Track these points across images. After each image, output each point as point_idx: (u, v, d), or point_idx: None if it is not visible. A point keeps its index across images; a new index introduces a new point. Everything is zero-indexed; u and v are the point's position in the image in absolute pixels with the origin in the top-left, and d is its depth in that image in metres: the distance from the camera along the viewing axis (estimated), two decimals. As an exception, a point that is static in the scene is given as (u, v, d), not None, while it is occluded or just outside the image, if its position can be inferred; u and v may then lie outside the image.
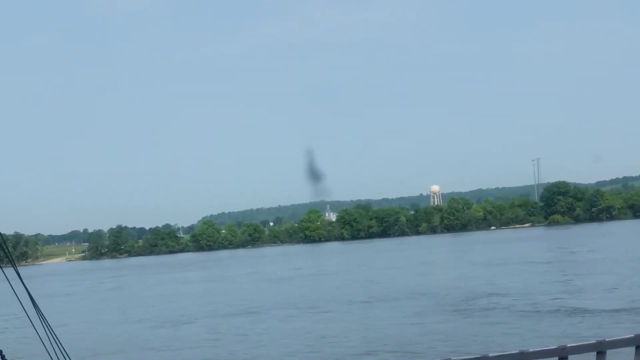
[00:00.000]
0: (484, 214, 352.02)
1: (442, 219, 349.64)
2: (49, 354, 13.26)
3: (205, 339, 54.17)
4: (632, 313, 49.33)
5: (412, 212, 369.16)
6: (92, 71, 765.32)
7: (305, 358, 44.12)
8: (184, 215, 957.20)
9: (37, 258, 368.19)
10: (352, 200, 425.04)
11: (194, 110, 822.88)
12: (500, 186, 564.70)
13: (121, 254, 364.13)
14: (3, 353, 12.09)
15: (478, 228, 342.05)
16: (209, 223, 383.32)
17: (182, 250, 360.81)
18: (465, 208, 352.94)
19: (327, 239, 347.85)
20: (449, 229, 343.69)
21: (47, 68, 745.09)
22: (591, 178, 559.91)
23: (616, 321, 46.28)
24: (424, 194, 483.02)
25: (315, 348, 46.88)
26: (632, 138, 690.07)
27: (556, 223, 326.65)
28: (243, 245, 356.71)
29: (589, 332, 42.03)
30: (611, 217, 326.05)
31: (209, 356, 46.70)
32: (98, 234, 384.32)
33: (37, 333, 13.38)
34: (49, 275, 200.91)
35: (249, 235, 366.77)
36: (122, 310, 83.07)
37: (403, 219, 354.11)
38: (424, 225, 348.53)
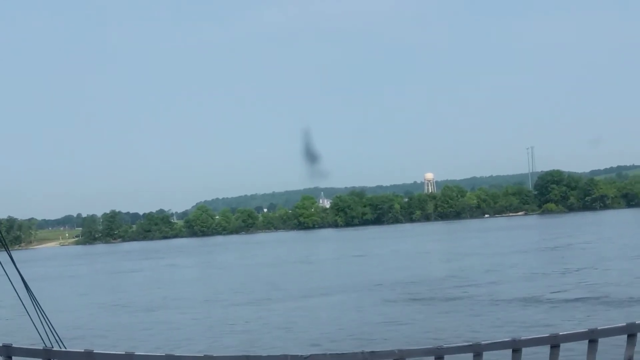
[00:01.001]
0: (478, 202, 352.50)
1: (435, 206, 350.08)
2: (40, 336, 13.23)
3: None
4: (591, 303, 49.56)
5: (406, 200, 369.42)
6: (87, 55, 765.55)
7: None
8: (178, 200, 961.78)
9: (30, 242, 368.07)
10: (346, 187, 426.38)
11: (190, 96, 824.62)
12: (494, 174, 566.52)
13: (115, 238, 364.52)
14: None
15: (472, 216, 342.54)
16: (202, 209, 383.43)
17: (175, 236, 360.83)
18: (459, 196, 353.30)
19: (321, 226, 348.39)
20: (442, 216, 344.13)
21: (44, 51, 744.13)
22: (585, 167, 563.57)
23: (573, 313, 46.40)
24: (418, 181, 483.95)
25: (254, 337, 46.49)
26: (626, 127, 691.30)
27: (550, 212, 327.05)
28: (237, 231, 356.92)
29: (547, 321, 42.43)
30: (605, 206, 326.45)
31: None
32: (92, 218, 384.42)
33: (30, 316, 13.35)
34: (42, 260, 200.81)
35: (243, 221, 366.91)
36: (111, 294, 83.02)
37: (397, 206, 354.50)
38: (418, 212, 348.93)
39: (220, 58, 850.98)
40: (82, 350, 11.62)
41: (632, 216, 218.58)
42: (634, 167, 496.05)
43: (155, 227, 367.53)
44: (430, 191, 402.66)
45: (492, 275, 73.13)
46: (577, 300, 51.68)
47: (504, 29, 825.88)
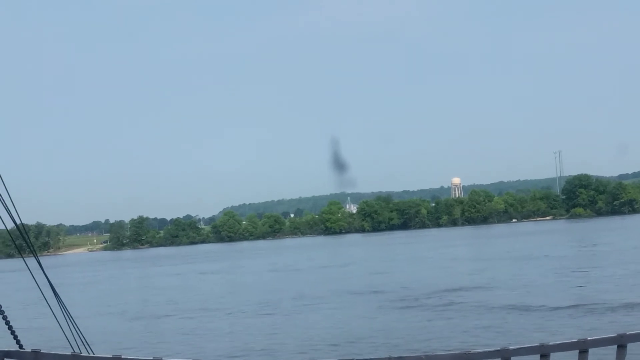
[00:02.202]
0: (505, 206, 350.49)
1: (463, 211, 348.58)
2: (69, 342, 13.31)
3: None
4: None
5: (433, 205, 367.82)
6: (111, 61, 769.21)
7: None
8: (205, 206, 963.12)
9: (59, 248, 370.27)
10: (372, 192, 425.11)
11: (216, 102, 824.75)
12: (521, 179, 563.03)
13: (142, 244, 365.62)
14: (21, 342, 12.14)
15: (499, 221, 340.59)
16: (229, 214, 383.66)
17: (203, 241, 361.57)
18: (486, 200, 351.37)
19: (348, 231, 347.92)
20: (469, 221, 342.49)
21: (62, 60, 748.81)
22: (613, 171, 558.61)
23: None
24: (445, 186, 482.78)
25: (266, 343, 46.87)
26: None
27: (578, 216, 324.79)
28: (264, 236, 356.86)
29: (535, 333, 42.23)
30: (633, 211, 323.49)
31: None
32: (119, 224, 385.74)
33: (58, 322, 13.43)
34: (71, 266, 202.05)
35: (270, 226, 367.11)
36: (140, 301, 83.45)
37: (424, 211, 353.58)
38: (445, 217, 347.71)
39: (248, 64, 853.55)
40: (111, 356, 11.68)
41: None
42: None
43: (182, 232, 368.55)
44: (457, 196, 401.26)
45: (510, 281, 73.00)
46: (569, 308, 51.55)
47: (531, 31, 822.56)
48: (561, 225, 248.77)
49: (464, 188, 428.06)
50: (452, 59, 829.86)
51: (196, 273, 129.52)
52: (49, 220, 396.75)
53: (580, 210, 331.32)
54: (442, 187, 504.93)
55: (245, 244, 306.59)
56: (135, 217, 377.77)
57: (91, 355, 12.36)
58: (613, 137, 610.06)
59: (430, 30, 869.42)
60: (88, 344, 13.20)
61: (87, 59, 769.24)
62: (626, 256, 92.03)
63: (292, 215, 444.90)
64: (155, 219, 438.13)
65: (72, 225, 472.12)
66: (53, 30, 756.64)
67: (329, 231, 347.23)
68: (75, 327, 13.30)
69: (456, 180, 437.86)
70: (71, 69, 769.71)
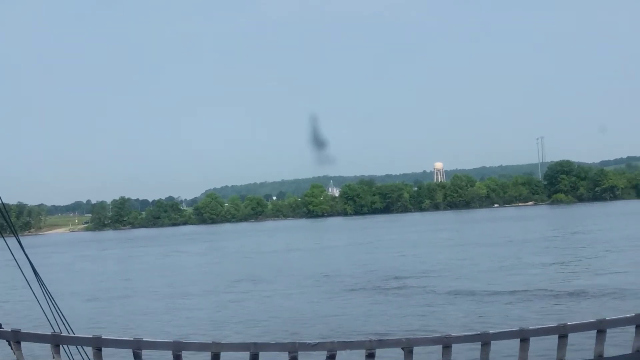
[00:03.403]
0: (487, 191, 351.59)
1: (445, 196, 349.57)
2: (49, 321, 13.30)
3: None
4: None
5: (416, 189, 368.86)
6: (92, 41, 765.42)
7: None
8: (188, 188, 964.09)
9: (40, 228, 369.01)
10: (355, 176, 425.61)
11: (199, 84, 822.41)
12: (504, 164, 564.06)
13: (124, 225, 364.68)
14: (0, 322, 12.12)
15: (481, 206, 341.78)
16: (212, 196, 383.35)
17: (185, 223, 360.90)
18: (468, 185, 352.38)
19: (330, 214, 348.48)
20: (452, 206, 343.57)
21: (44, 37, 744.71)
22: (595, 157, 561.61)
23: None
24: (428, 170, 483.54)
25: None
26: (636, 117, 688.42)
27: (559, 202, 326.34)
28: (246, 218, 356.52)
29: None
30: (614, 197, 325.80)
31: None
32: (101, 205, 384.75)
33: (38, 301, 13.42)
34: (51, 246, 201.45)
35: (252, 209, 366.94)
36: (117, 281, 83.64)
37: (406, 195, 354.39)
38: (427, 201, 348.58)
39: (229, 45, 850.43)
40: (91, 336, 11.69)
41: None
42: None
43: (164, 214, 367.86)
44: (439, 180, 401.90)
45: (459, 267, 73.44)
46: (510, 293, 51.81)
47: (514, 18, 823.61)
48: (541, 211, 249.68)
49: (447, 173, 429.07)
50: (436, 43, 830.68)
51: (163, 255, 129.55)
52: (31, 200, 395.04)
53: (561, 196, 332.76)
54: (424, 171, 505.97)
55: (227, 226, 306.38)
56: (117, 198, 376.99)
57: (71, 335, 12.36)
58: (595, 123, 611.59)
59: (415, 14, 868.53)
60: (68, 324, 13.20)
61: (68, 37, 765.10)
62: (597, 244, 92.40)
63: (274, 198, 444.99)
64: (137, 200, 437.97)
65: (54, 206, 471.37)
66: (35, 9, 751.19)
67: (311, 214, 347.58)
68: (56, 307, 13.30)
69: (439, 165, 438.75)
70: (53, 47, 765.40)
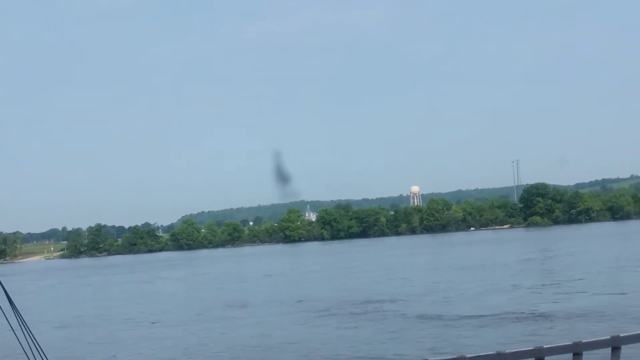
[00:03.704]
0: (464, 215, 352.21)
1: (421, 219, 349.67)
2: (24, 351, 13.27)
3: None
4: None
5: (392, 213, 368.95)
6: (69, 67, 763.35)
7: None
8: (164, 214, 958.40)
9: (15, 256, 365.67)
10: (332, 200, 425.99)
11: (173, 110, 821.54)
12: (480, 187, 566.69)
13: (100, 252, 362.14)
14: None
15: (457, 229, 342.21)
16: (188, 222, 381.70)
17: (161, 249, 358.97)
18: (444, 209, 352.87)
19: (307, 239, 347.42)
20: (428, 229, 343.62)
21: (21, 55, 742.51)
22: (570, 180, 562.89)
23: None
24: (404, 194, 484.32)
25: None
26: (611, 140, 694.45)
27: (535, 224, 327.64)
28: (222, 244, 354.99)
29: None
30: (590, 219, 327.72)
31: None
32: (77, 232, 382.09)
33: (13, 331, 13.39)
34: (27, 273, 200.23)
35: (229, 234, 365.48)
36: (94, 308, 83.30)
37: (383, 219, 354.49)
38: (404, 225, 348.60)
39: (206, 71, 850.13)
40: None
41: (615, 229, 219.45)
42: (618, 180, 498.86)
43: (140, 240, 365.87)
44: (416, 204, 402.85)
45: (439, 291, 73.65)
46: (481, 317, 51.90)
47: (487, 41, 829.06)
48: (517, 234, 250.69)
49: (423, 196, 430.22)
50: (407, 66, 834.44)
51: (139, 283, 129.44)
52: (5, 228, 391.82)
53: (537, 218, 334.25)
54: (401, 195, 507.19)
55: (204, 252, 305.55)
56: (93, 225, 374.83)
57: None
58: (569, 147, 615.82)
59: (385, 37, 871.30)
60: (44, 353, 13.18)
61: (48, 64, 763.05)
62: (571, 266, 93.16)
63: (251, 224, 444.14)
64: (113, 226, 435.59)
65: (29, 233, 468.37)
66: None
67: (288, 239, 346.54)
68: (32, 336, 13.28)
69: (415, 189, 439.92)
70: (29, 68, 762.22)
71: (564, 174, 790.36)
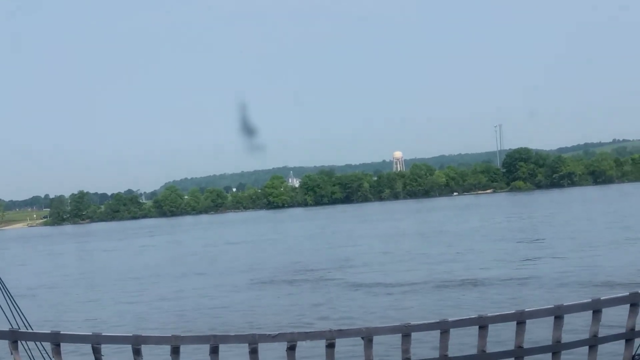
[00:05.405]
0: (447, 180, 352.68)
1: (404, 185, 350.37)
2: (7, 318, 13.18)
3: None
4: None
5: (375, 178, 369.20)
6: (63, 30, 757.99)
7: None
8: (147, 181, 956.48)
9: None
10: (315, 167, 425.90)
11: (156, 74, 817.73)
12: (462, 152, 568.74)
13: (83, 219, 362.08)
14: None
15: (440, 194, 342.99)
16: (171, 189, 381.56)
17: (144, 216, 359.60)
18: (427, 174, 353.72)
19: (291, 205, 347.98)
20: (411, 194, 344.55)
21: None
22: (552, 144, 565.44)
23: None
24: (387, 160, 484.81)
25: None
26: (593, 104, 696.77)
27: (518, 189, 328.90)
28: (206, 211, 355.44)
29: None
30: (572, 183, 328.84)
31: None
32: (59, 199, 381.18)
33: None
34: (8, 241, 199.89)
35: (212, 201, 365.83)
36: (73, 276, 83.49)
37: (366, 185, 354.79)
38: (387, 191, 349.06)
39: (184, 37, 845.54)
40: (49, 332, 11.63)
41: (597, 193, 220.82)
42: (600, 144, 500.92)
43: (123, 207, 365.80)
44: (399, 169, 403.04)
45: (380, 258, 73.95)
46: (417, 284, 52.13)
47: (474, 7, 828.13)
48: (498, 199, 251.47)
49: (406, 162, 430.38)
50: (391, 32, 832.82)
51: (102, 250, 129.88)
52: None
53: (520, 183, 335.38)
54: (384, 161, 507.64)
55: (187, 219, 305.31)
56: (76, 192, 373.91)
57: (30, 331, 12.29)
58: (553, 111, 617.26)
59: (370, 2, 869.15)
60: (27, 320, 13.10)
61: (30, 30, 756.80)
62: (552, 230, 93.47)
63: (234, 190, 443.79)
64: (96, 193, 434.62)
65: (11, 201, 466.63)
66: None
67: (271, 205, 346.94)
68: (14, 303, 13.19)
69: (398, 154, 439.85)
70: (17, 34, 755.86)
71: (546, 138, 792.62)
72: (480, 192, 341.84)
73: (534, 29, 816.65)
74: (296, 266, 71.36)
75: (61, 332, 11.64)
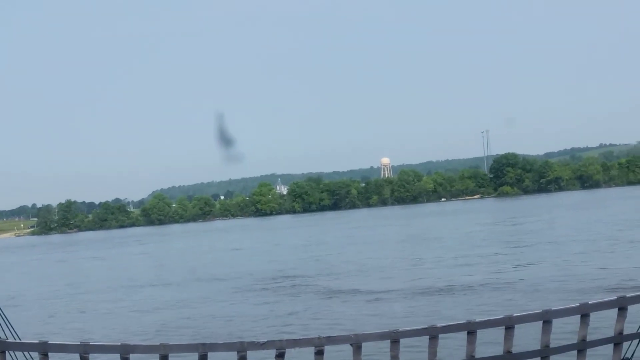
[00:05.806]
0: (434, 185, 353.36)
1: (392, 191, 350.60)
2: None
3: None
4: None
5: (363, 185, 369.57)
6: (50, 42, 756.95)
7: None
8: (135, 189, 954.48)
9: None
10: (303, 174, 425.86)
11: (143, 84, 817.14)
12: (450, 158, 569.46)
13: (71, 228, 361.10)
14: None
15: (428, 200, 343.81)
16: (159, 197, 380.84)
17: (132, 225, 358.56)
18: (415, 180, 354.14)
19: (279, 212, 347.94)
20: (399, 201, 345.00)
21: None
22: (540, 149, 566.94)
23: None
24: (375, 166, 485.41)
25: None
26: (580, 109, 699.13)
27: (505, 194, 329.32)
28: (194, 219, 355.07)
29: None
30: (559, 188, 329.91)
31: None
32: (47, 208, 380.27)
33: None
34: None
35: (200, 209, 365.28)
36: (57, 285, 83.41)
37: (354, 191, 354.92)
38: (375, 197, 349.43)
39: (175, 46, 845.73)
40: (37, 342, 11.60)
41: (583, 198, 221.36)
42: (587, 149, 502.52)
43: (111, 216, 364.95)
44: (386, 176, 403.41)
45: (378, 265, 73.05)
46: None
47: (460, 12, 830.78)
48: (485, 204, 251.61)
49: (394, 168, 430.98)
50: (377, 39, 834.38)
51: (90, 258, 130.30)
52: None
53: (507, 188, 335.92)
54: (371, 167, 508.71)
55: (175, 227, 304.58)
56: (63, 201, 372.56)
57: (18, 341, 12.25)
58: (538, 116, 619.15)
59: (353, 9, 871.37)
60: (14, 330, 13.05)
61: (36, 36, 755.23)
62: (538, 236, 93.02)
63: (222, 197, 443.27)
64: (83, 202, 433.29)
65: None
66: None
67: (259, 213, 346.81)
68: (2, 313, 13.14)
69: (385, 161, 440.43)
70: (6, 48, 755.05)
71: (533, 143, 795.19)
72: (468, 197, 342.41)
73: (523, 35, 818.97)
74: (279, 274, 71.13)
75: (49, 342, 11.61)
